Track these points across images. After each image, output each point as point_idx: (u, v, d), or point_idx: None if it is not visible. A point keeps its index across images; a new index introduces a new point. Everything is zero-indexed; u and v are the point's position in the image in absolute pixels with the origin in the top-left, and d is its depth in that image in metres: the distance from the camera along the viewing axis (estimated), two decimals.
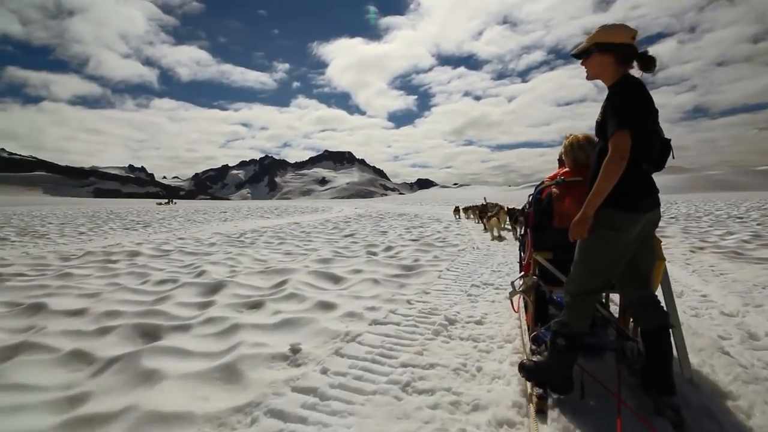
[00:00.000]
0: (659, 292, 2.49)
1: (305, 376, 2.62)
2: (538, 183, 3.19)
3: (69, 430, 2.11)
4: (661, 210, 2.29)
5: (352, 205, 50.92)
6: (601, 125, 2.10)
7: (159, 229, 15.61)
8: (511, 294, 3.28)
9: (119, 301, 4.46)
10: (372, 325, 3.66)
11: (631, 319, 2.74)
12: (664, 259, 2.51)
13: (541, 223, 2.94)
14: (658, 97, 2.38)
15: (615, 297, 3.85)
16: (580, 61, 2.24)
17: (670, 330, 2.22)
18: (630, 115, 1.95)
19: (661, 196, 2.28)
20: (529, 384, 2.42)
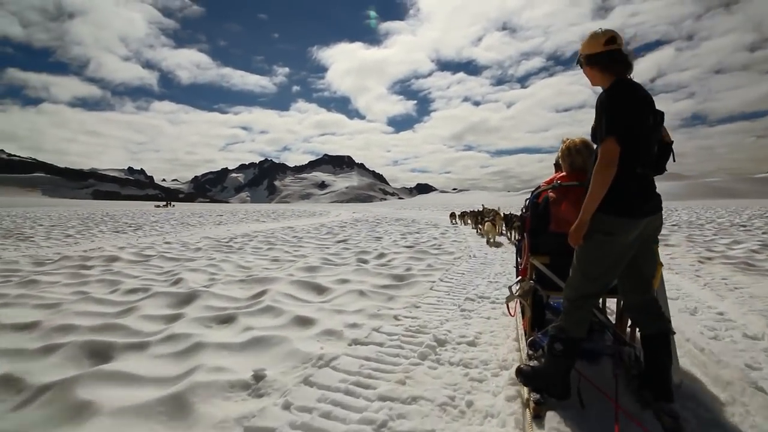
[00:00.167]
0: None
1: (263, 413, 2.22)
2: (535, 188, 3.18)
3: None
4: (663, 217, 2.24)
5: (351, 210, 50.54)
6: (595, 131, 2.11)
7: (149, 232, 15.21)
8: (508, 298, 3.21)
9: (78, 313, 4.06)
10: (351, 345, 3.26)
11: (628, 325, 2.80)
12: (661, 264, 2.48)
13: (537, 228, 2.92)
14: (656, 103, 2.22)
15: (611, 302, 3.74)
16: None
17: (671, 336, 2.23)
18: (615, 121, 1.96)
19: None
20: (525, 389, 2.37)
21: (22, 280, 5.59)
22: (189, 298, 4.64)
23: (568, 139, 2.93)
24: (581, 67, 2.27)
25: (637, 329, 2.41)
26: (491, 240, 10.72)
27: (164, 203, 75.85)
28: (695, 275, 6.02)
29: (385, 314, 4.04)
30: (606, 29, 2.14)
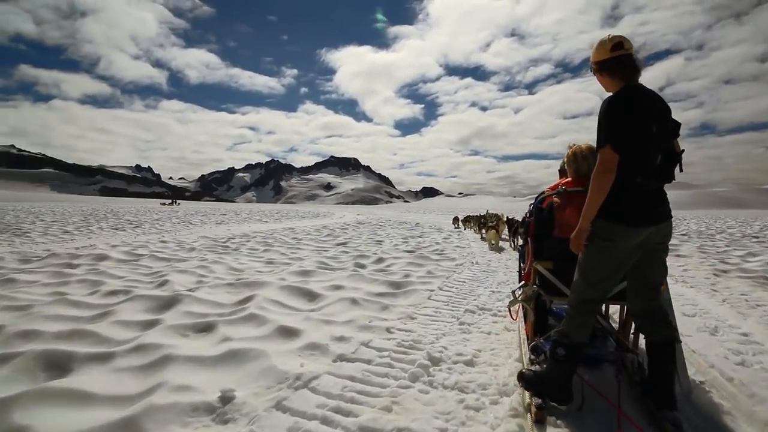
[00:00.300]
0: None
1: None
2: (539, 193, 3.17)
3: None
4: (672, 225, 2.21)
5: (355, 212, 50.27)
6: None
7: (148, 230, 15.01)
8: (511, 303, 3.15)
9: (48, 317, 3.78)
10: (336, 362, 2.95)
11: (631, 331, 2.81)
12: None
13: (541, 233, 2.92)
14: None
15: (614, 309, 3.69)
16: None
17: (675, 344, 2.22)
18: (611, 130, 1.99)
19: None
20: (527, 394, 2.35)
21: (0, 279, 5.34)
22: (170, 302, 4.35)
23: (574, 145, 2.94)
24: (594, 74, 2.28)
25: (642, 336, 2.40)
26: (494, 244, 10.64)
27: (169, 201, 76.10)
28: (711, 289, 5.65)
29: (376, 326, 3.73)
30: (613, 35, 2.15)
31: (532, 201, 3.19)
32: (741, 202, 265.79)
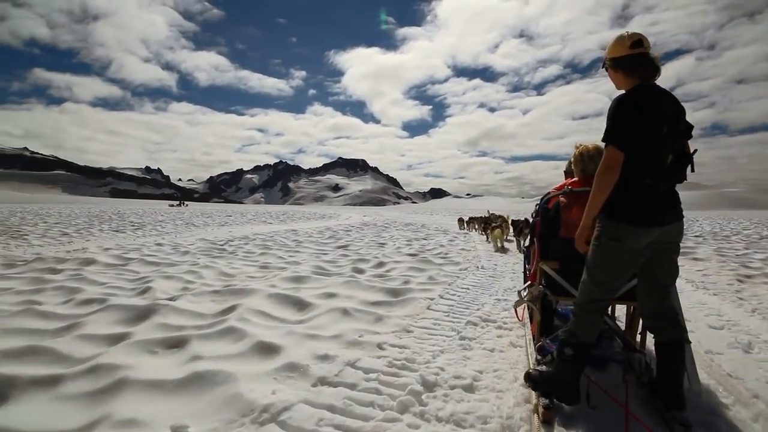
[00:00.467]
0: None
1: None
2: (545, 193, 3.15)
3: None
4: (684, 227, 2.19)
5: (362, 213, 49.96)
6: None
7: (149, 232, 14.79)
8: (517, 303, 3.13)
9: (7, 330, 3.44)
10: (316, 386, 2.57)
11: (638, 331, 2.80)
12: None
13: (547, 233, 2.90)
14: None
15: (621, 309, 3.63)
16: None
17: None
18: (617, 128, 1.98)
19: None
20: (534, 394, 2.35)
21: None
22: (146, 312, 4.01)
23: (581, 145, 2.93)
24: (606, 71, 2.24)
25: (651, 336, 2.38)
26: (498, 245, 10.43)
27: (177, 203, 76.55)
28: (737, 297, 5.18)
29: (367, 342, 3.34)
30: (633, 32, 2.12)
31: (539, 201, 3.16)
32: (754, 202, 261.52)
